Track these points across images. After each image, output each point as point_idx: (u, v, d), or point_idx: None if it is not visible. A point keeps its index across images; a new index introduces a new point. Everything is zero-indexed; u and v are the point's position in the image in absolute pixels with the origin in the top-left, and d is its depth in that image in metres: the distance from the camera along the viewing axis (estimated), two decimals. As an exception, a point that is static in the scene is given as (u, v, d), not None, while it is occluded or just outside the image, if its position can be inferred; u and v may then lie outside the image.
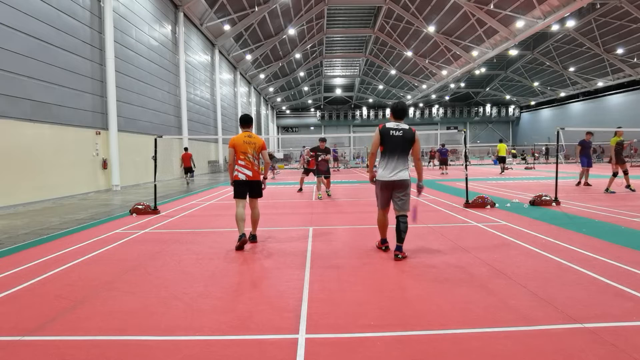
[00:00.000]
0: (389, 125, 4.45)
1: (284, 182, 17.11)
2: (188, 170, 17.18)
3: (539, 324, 2.75)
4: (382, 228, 4.83)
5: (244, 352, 2.48)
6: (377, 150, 4.54)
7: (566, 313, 2.92)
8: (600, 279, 3.64)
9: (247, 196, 5.21)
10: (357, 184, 15.27)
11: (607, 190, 10.34)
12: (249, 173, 5.09)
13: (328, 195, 10.98)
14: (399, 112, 4.50)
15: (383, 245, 4.87)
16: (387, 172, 4.43)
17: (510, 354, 2.38)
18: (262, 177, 5.32)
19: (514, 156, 35.07)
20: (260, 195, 5.31)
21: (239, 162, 5.09)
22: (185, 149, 18.12)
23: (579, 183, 12.29)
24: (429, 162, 30.29)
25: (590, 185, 12.04)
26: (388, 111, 65.46)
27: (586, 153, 12.15)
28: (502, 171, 20.07)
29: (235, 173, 5.13)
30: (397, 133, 4.39)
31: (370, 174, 4.70)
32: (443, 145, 22.19)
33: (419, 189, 4.67)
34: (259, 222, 5.56)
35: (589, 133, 12.10)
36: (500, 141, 20.65)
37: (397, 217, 4.48)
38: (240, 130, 5.29)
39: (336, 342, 2.59)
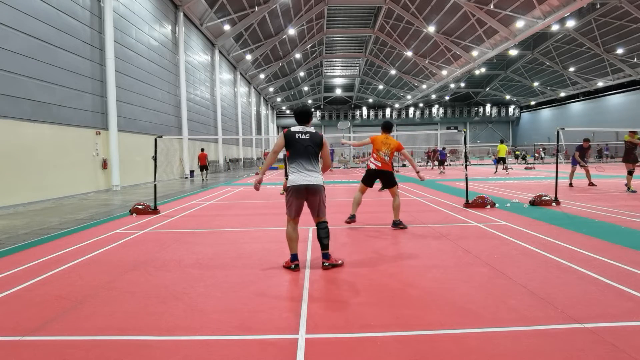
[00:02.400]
0: (294, 129, 4.19)
1: (284, 182, 17.10)
2: (203, 168, 19.33)
3: (539, 324, 2.75)
4: (292, 242, 4.17)
5: (244, 352, 2.48)
6: (275, 155, 4.25)
7: (566, 313, 2.92)
8: (601, 279, 3.64)
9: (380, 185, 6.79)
10: (357, 184, 15.24)
11: (628, 189, 10.36)
12: (379, 164, 6.32)
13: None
14: (301, 116, 4.26)
15: (293, 263, 4.14)
16: (299, 177, 4.06)
17: (510, 354, 2.38)
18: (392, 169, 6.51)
19: (516, 157, 34.86)
20: (394, 184, 6.41)
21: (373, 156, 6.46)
22: (202, 149, 19.99)
23: (570, 184, 12.22)
24: (427, 162, 30.36)
25: (595, 185, 12.02)
26: (388, 111, 65.11)
27: (581, 156, 12.09)
28: (496, 171, 20.29)
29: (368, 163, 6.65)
30: (304, 136, 4.13)
31: (259, 177, 4.25)
32: (444, 148, 24.07)
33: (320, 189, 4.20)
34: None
35: (586, 140, 12.06)
36: (502, 142, 20.66)
37: (317, 224, 4.23)
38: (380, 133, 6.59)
39: (336, 342, 2.59)
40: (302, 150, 4.12)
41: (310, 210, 4.27)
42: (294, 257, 4.19)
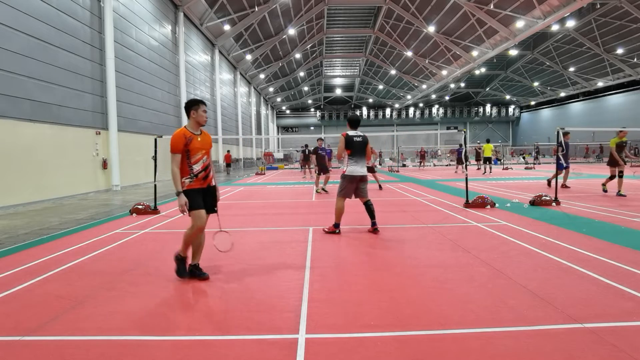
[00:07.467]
0: (350, 133, 5.78)
1: (284, 182, 17.11)
2: (228, 165, 26.41)
3: (539, 324, 2.75)
4: (340, 214, 5.83)
5: (244, 352, 2.48)
6: (343, 153, 5.78)
7: (566, 313, 2.92)
8: (600, 279, 3.64)
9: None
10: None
11: (603, 188, 10.30)
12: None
13: (323, 190, 11.81)
14: (354, 123, 5.87)
15: (337, 229, 5.82)
16: (356, 168, 5.69)
17: (510, 354, 2.38)
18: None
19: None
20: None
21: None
22: (228, 151, 26.74)
23: (563, 185, 12.03)
24: (420, 163, 30.10)
25: (569, 187, 11.72)
26: (388, 111, 65.27)
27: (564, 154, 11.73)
28: (485, 172, 20.25)
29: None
30: (358, 139, 5.74)
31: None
32: (460, 145, 23.05)
33: (370, 169, 5.68)
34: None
35: (567, 134, 11.64)
36: (488, 141, 20.81)
37: (366, 202, 5.84)
38: None
39: (336, 342, 2.59)
40: (359, 149, 5.73)
41: (359, 192, 5.81)
42: (337, 224, 5.85)
